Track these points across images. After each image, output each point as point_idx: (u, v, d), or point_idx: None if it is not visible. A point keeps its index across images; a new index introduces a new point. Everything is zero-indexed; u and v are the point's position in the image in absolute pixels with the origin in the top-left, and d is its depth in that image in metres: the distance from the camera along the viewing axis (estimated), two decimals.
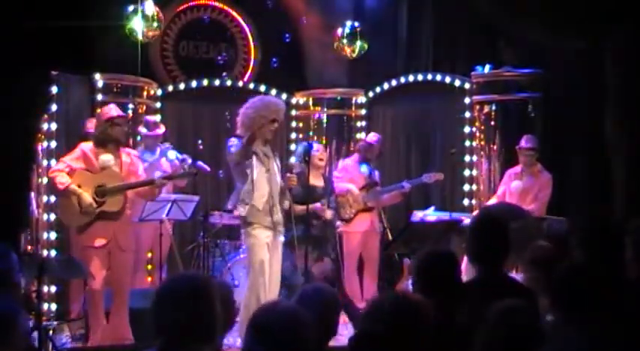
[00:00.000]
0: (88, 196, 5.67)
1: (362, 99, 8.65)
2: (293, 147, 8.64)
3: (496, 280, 3.47)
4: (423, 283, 3.31)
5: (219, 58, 8.92)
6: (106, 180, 5.73)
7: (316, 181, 6.44)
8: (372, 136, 7.57)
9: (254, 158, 5.64)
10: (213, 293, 2.58)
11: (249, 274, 5.71)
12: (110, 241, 5.74)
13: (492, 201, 7.24)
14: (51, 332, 5.69)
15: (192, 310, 2.50)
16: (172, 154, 7.08)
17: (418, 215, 6.97)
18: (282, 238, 5.80)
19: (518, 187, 7.06)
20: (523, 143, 7.07)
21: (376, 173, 7.48)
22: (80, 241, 5.87)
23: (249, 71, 9.13)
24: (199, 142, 8.16)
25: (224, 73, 8.75)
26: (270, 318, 2.47)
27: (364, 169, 7.30)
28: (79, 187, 5.68)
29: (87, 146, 5.84)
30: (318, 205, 6.33)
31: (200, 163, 7.21)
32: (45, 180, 6.83)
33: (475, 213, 7.01)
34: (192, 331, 2.50)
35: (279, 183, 5.78)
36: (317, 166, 6.50)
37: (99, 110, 5.92)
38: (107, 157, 5.77)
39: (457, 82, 8.03)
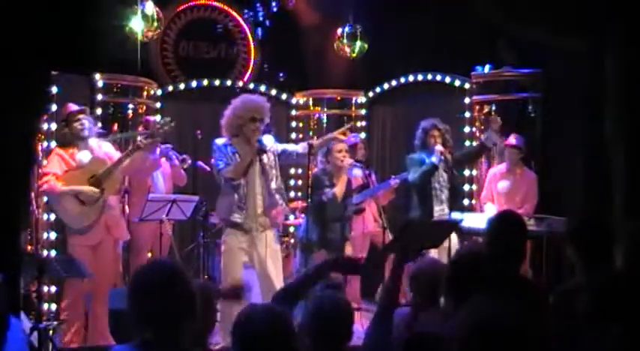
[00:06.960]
0: (86, 187, 5.74)
1: (362, 99, 8.64)
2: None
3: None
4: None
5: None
6: (94, 169, 5.79)
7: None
8: (351, 138, 7.06)
9: (237, 157, 5.63)
10: (187, 278, 2.54)
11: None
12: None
13: (488, 205, 7.21)
14: (51, 332, 5.69)
15: (166, 297, 2.47)
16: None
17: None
18: (271, 236, 5.75)
19: (507, 187, 7.07)
20: (510, 140, 7.12)
21: (373, 176, 7.22)
22: (78, 240, 5.90)
23: (249, 71, 9.14)
24: (198, 133, 7.80)
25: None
26: (250, 321, 2.48)
27: (357, 171, 7.02)
28: None
29: (59, 150, 5.90)
30: None
31: (200, 163, 7.21)
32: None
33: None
34: (170, 320, 2.47)
35: (260, 183, 5.69)
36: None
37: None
38: (83, 155, 5.83)
39: (457, 82, 8.03)
